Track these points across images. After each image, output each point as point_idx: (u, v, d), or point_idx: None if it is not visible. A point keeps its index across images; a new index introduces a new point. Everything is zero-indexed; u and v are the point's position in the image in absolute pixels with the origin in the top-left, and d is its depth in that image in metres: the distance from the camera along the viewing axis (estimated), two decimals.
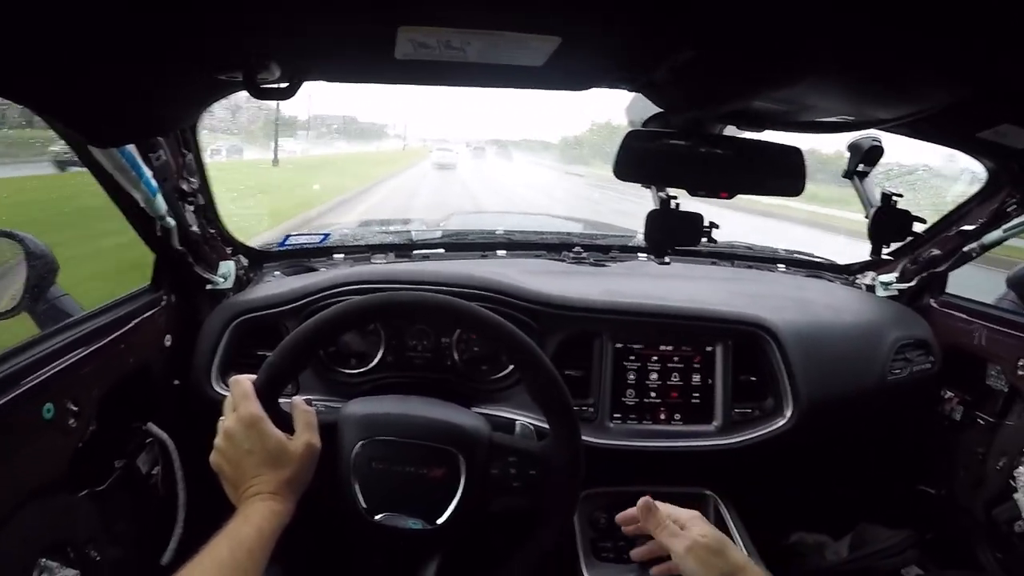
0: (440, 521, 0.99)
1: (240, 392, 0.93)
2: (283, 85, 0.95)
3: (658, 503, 1.02)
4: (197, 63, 0.90)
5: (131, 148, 1.07)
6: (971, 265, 1.71)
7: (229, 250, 1.58)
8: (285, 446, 0.90)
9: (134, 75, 0.85)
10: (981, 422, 1.62)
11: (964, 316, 1.67)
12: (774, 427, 1.44)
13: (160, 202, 1.20)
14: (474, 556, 1.10)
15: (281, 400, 0.97)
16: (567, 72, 1.00)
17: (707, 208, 1.27)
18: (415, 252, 1.83)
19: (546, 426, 1.04)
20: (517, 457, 1.03)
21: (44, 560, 0.96)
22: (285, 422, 0.94)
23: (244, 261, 1.62)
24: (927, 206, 1.74)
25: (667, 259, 1.62)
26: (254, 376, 0.96)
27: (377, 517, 0.99)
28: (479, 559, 1.07)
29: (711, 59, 0.87)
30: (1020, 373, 1.50)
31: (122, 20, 0.68)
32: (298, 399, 0.99)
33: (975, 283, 1.83)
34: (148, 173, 1.14)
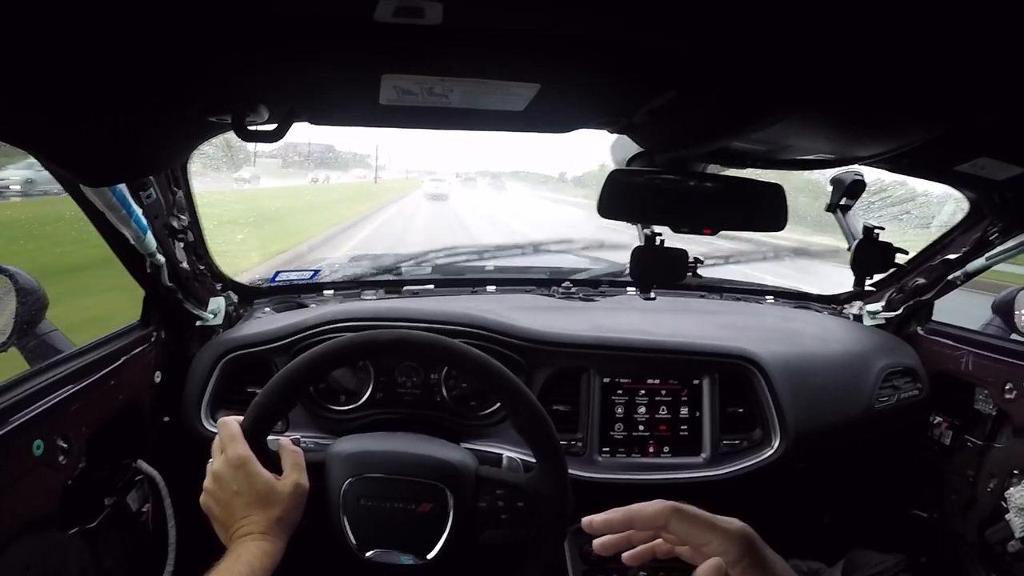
0: (430, 556, 0.99)
1: (228, 434, 0.93)
2: (271, 127, 0.97)
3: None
4: (187, 106, 0.91)
5: (122, 187, 1.07)
6: (959, 291, 1.72)
7: (219, 286, 1.58)
8: (273, 486, 0.90)
9: (125, 117, 0.86)
10: (970, 445, 1.63)
11: (951, 343, 1.69)
12: (763, 457, 1.45)
13: (150, 240, 1.21)
14: None
15: (269, 438, 0.98)
16: (548, 116, 1.01)
17: (694, 243, 1.28)
18: (405, 288, 1.83)
19: (533, 460, 1.04)
20: (504, 490, 1.03)
21: None
22: (273, 462, 0.94)
23: (234, 297, 1.63)
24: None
25: (652, 295, 1.63)
26: (241, 417, 0.96)
27: (368, 554, 0.99)
28: None
29: (689, 103, 0.89)
30: (1007, 397, 1.52)
31: (114, 65, 0.69)
32: (284, 440, 0.99)
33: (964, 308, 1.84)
34: (138, 211, 1.14)
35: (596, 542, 0.74)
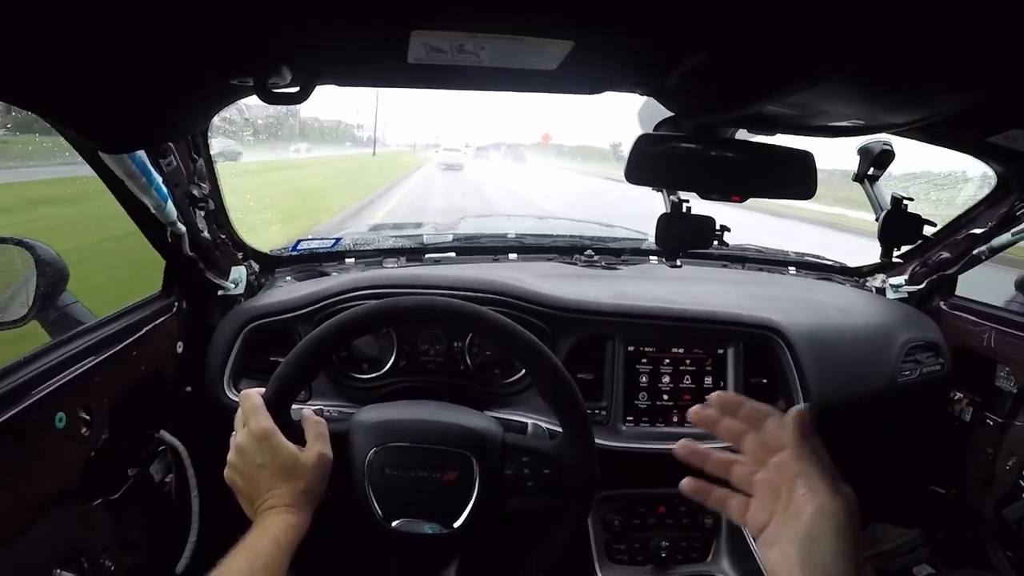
0: (457, 525, 0.99)
1: (250, 406, 0.93)
2: (294, 90, 0.95)
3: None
4: (209, 68, 0.89)
5: (141, 154, 1.06)
6: (983, 265, 1.71)
7: (240, 255, 1.58)
8: (297, 458, 0.90)
9: (145, 81, 0.84)
10: (990, 423, 1.63)
11: (973, 318, 1.68)
12: None
13: (171, 208, 1.20)
14: (492, 558, 1.10)
15: (292, 408, 0.98)
16: (580, 76, 0.99)
17: (718, 210, 1.27)
18: (426, 256, 1.83)
19: (558, 428, 1.04)
20: (530, 457, 1.03)
21: (59, 571, 0.96)
22: (296, 433, 0.94)
23: (255, 266, 1.62)
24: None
25: (678, 262, 1.62)
26: (263, 389, 0.96)
27: (394, 524, 0.99)
28: (497, 560, 1.07)
29: (724, 64, 0.87)
30: None
31: (133, 27, 0.68)
32: (307, 410, 0.99)
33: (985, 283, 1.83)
34: (159, 179, 1.14)
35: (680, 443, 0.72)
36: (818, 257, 2.11)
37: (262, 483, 0.88)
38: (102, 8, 0.62)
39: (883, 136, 1.46)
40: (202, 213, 1.36)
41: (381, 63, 0.95)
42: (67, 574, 0.98)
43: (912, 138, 1.27)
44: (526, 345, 1.00)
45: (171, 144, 1.20)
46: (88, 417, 1.03)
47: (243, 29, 0.77)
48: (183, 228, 1.28)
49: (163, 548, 1.25)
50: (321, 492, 0.93)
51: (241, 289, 1.52)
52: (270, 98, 0.93)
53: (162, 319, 1.30)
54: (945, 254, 1.74)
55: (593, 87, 1.09)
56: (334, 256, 1.80)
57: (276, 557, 0.80)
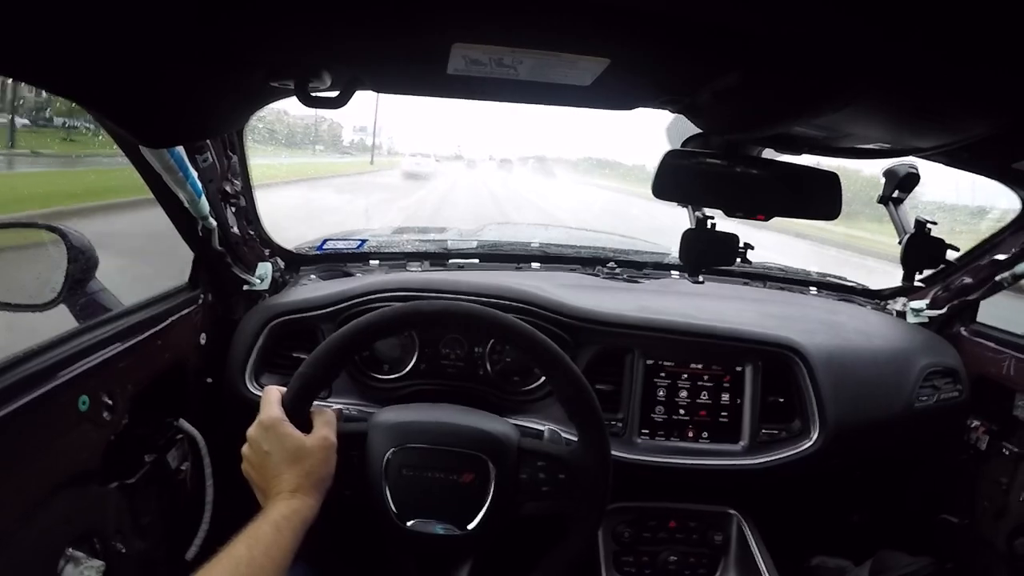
0: (471, 527, 1.00)
1: (264, 399, 0.95)
2: (333, 94, 0.97)
3: None
4: (251, 70, 0.92)
5: (180, 149, 1.09)
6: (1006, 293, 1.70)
7: (267, 252, 1.60)
8: (302, 442, 0.91)
9: (190, 80, 0.86)
10: (1006, 452, 1.61)
11: (994, 345, 1.66)
12: (800, 449, 1.44)
13: (204, 203, 1.23)
14: (505, 561, 1.10)
15: (313, 405, 0.99)
16: (613, 92, 1.01)
17: (741, 229, 1.28)
18: (450, 261, 1.84)
19: (575, 437, 1.04)
20: (546, 462, 1.04)
21: (71, 550, 0.98)
22: (310, 428, 0.95)
23: (281, 263, 1.64)
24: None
25: (701, 278, 1.62)
26: (284, 388, 0.97)
27: (409, 523, 1.00)
28: (510, 564, 1.07)
29: (755, 84, 0.88)
30: None
31: (182, 27, 0.70)
32: (316, 407, 1.00)
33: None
34: (194, 174, 1.16)
35: None
36: (840, 278, 2.10)
37: (270, 470, 0.90)
38: (152, 6, 0.64)
39: (909, 159, 1.47)
40: (233, 209, 1.38)
41: (420, 73, 0.98)
42: (79, 553, 0.99)
43: (937, 162, 1.27)
44: (546, 351, 1.01)
45: (208, 141, 1.22)
46: (110, 402, 1.05)
47: (290, 33, 0.79)
48: (214, 223, 1.30)
49: (175, 535, 1.27)
50: (327, 476, 0.93)
51: (266, 285, 1.53)
52: (309, 101, 0.95)
53: (187, 310, 1.32)
54: (967, 279, 1.73)
55: (625, 103, 1.10)
56: (359, 257, 1.81)
57: (276, 541, 0.81)
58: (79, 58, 0.71)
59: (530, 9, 0.68)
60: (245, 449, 0.93)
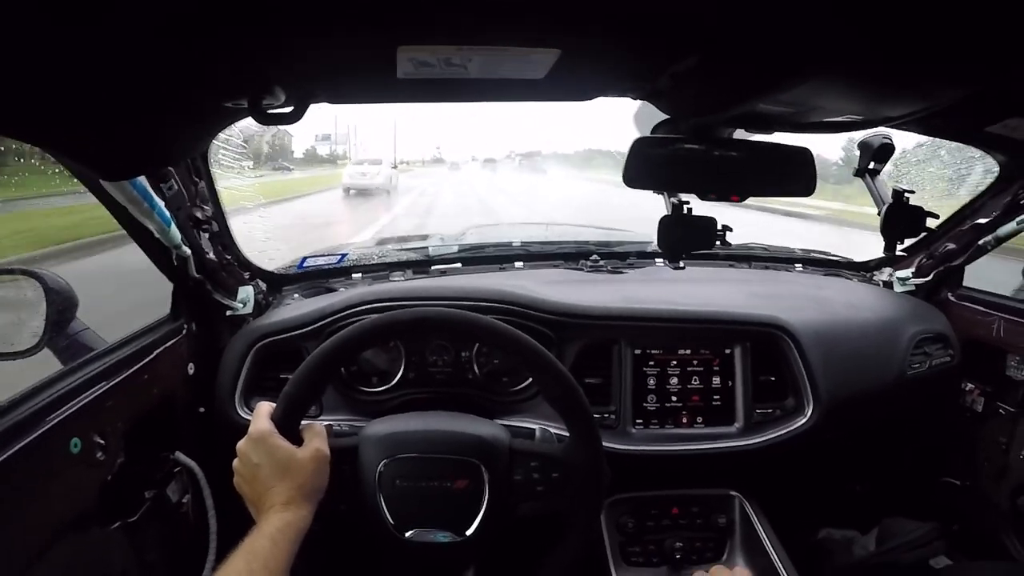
0: (469, 532, 1.00)
1: (255, 414, 0.96)
2: (288, 110, 0.96)
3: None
4: (202, 93, 0.91)
5: (142, 180, 1.07)
6: (989, 256, 1.71)
7: (247, 275, 1.59)
8: (293, 454, 0.92)
9: (140, 108, 0.85)
10: (1002, 412, 1.62)
11: (982, 308, 1.67)
12: (796, 426, 1.44)
13: (174, 232, 1.21)
14: (507, 564, 1.10)
15: (303, 423, 0.98)
16: (569, 84, 1.00)
17: (721, 210, 1.27)
18: (433, 268, 1.83)
19: (566, 433, 1.04)
20: (539, 461, 1.04)
21: None
22: (300, 444, 0.95)
23: (262, 285, 1.63)
24: None
25: (682, 264, 1.62)
26: (274, 404, 0.97)
27: (407, 534, 1.00)
28: (512, 567, 1.07)
29: (713, 66, 0.88)
30: None
31: (125, 56, 0.69)
32: (307, 423, 1.00)
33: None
34: (160, 203, 1.15)
35: None
36: (824, 253, 2.10)
37: (260, 483, 0.90)
38: (94, 39, 0.62)
39: (883, 130, 1.46)
40: (207, 235, 1.37)
41: (371, 79, 0.97)
42: None
43: (910, 130, 1.27)
44: (527, 350, 1.01)
45: (171, 168, 1.21)
46: (103, 441, 1.03)
47: (232, 51, 0.78)
48: (188, 251, 1.29)
49: (182, 568, 1.26)
50: (320, 487, 0.93)
51: (249, 308, 1.52)
52: (265, 119, 0.95)
53: (172, 342, 1.30)
54: (951, 245, 1.74)
55: (583, 94, 1.10)
56: (340, 272, 1.80)
57: (274, 555, 0.81)
58: (27, 99, 0.70)
59: (468, 6, 0.68)
60: (236, 463, 0.94)
